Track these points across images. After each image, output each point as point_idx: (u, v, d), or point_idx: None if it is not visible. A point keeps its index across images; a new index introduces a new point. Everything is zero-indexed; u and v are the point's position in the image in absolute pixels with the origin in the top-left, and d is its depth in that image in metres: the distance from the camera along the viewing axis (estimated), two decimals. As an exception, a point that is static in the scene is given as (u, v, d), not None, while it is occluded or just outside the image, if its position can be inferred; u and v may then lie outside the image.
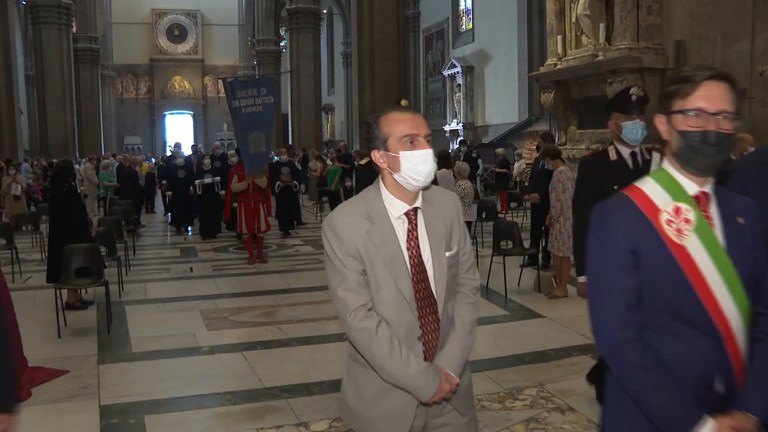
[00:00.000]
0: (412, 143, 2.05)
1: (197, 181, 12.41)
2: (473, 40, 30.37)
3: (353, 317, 2.04)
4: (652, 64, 11.43)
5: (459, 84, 30.16)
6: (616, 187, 3.14)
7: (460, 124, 29.89)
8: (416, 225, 2.12)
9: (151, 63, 44.45)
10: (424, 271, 2.11)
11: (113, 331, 6.19)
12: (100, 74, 36.03)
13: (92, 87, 33.73)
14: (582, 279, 3.48)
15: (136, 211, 13.76)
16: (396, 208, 2.11)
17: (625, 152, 3.68)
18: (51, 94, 25.47)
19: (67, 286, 6.60)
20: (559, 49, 13.21)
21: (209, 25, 45.07)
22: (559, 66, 13.23)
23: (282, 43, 38.19)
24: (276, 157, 13.88)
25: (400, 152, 2.05)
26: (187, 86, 45.40)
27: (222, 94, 45.84)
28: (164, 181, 14.78)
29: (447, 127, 31.18)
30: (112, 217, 10.28)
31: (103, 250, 7.16)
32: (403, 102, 3.83)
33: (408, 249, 2.09)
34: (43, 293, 7.45)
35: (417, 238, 2.11)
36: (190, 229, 13.82)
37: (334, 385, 4.69)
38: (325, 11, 37.88)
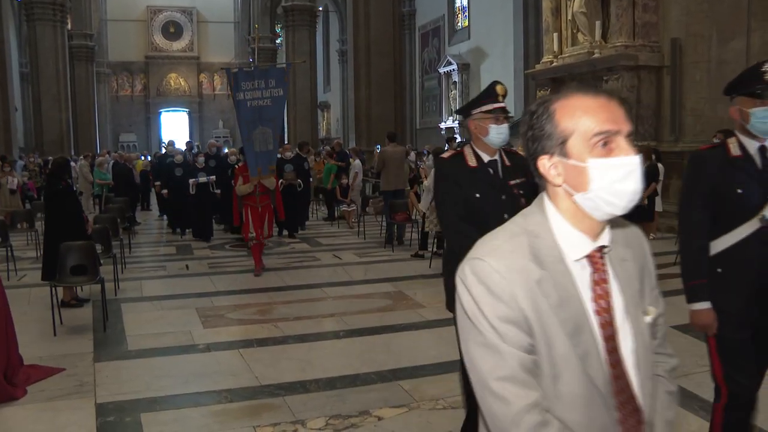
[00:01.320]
0: (606, 145, 1.34)
1: (191, 180, 11.82)
2: (469, 38, 30.35)
3: (521, 427, 1.30)
4: (648, 62, 11.47)
5: (455, 81, 30.14)
6: (739, 191, 2.73)
7: (456, 122, 29.89)
8: (605, 273, 1.41)
9: (147, 60, 44.28)
10: (618, 346, 1.40)
11: (109, 329, 6.18)
12: (95, 71, 35.91)
13: (87, 84, 33.62)
14: (697, 306, 2.83)
15: (132, 209, 13.73)
16: (575, 246, 1.39)
17: (752, 146, 2.80)
18: (46, 92, 25.36)
19: (62, 284, 6.59)
20: (555, 47, 13.23)
21: (204, 22, 44.94)
22: (555, 63, 13.26)
23: (278, 41, 38.11)
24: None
25: (589, 160, 1.34)
26: (182, 83, 45.26)
27: (218, 91, 45.95)
28: (157, 182, 14.01)
29: (443, 125, 31.17)
30: (108, 215, 10.27)
31: (98, 248, 7.15)
32: (499, 88, 3.22)
33: (597, 312, 1.38)
34: (38, 291, 7.44)
35: (608, 293, 1.40)
36: (188, 232, 12.93)
37: (331, 383, 4.70)
38: (321, 8, 37.83)
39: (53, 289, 6.30)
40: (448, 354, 5.32)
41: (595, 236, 1.40)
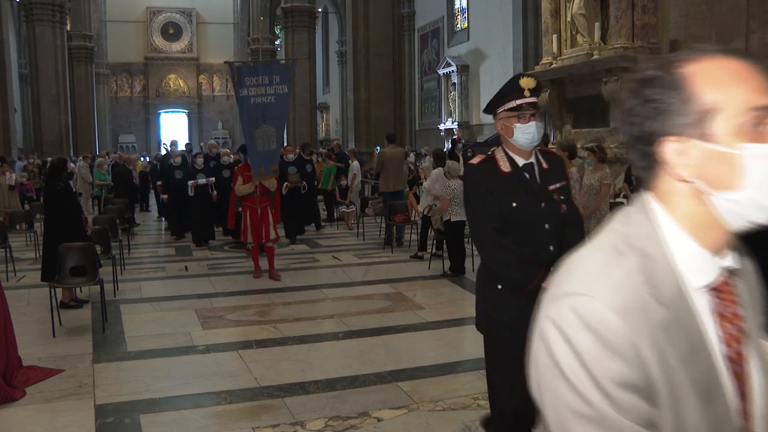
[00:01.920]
0: (758, 126, 0.96)
1: (190, 182, 11.33)
2: (468, 39, 30.39)
3: None
4: (647, 64, 11.48)
5: (454, 83, 30.16)
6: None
7: (455, 123, 29.94)
8: (736, 305, 1.04)
9: (146, 61, 44.34)
10: (752, 409, 1.04)
11: (108, 330, 6.18)
12: (94, 72, 35.94)
13: (87, 85, 33.65)
14: None
15: (131, 210, 13.72)
16: (698, 269, 1.01)
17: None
18: (45, 93, 25.38)
19: (62, 285, 6.58)
20: (555, 48, 13.26)
21: (204, 23, 45.00)
22: (554, 65, 13.27)
23: (277, 42, 38.14)
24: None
25: (745, 146, 0.96)
26: (181, 85, 45.31)
27: (217, 92, 46.00)
28: (159, 182, 13.41)
29: (442, 126, 31.19)
30: (107, 216, 10.27)
31: (98, 249, 7.14)
32: (524, 81, 2.87)
33: (730, 360, 1.02)
34: (37, 292, 7.44)
35: (742, 334, 1.03)
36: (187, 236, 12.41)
37: (330, 384, 4.70)
38: (320, 9, 37.85)
39: (52, 290, 6.30)
40: (447, 355, 5.33)
41: (719, 254, 1.02)
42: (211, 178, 11.42)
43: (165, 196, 12.60)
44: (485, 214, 2.89)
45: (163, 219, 14.49)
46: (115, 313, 6.76)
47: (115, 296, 7.50)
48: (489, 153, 3.05)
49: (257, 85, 8.29)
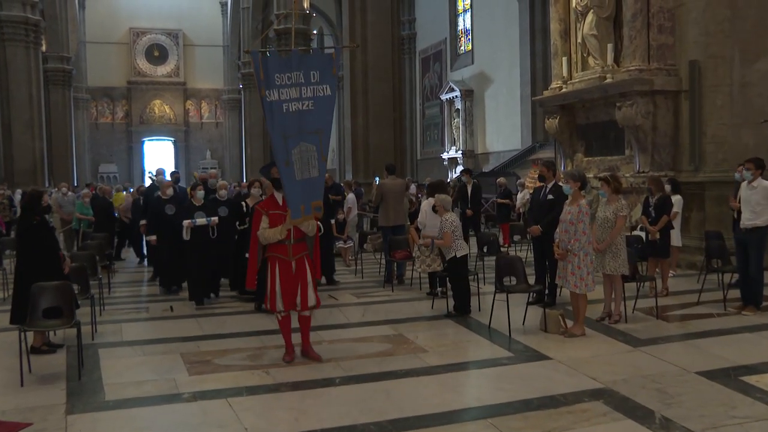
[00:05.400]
0: None
1: (185, 222, 9.34)
2: (472, 62, 30.75)
3: None
4: (664, 86, 11.55)
5: (458, 109, 30.46)
6: None
7: (459, 152, 30.10)
8: None
9: (129, 86, 44.75)
10: None
11: (84, 377, 6.12)
12: (72, 97, 36.22)
13: (64, 110, 33.85)
14: None
15: (112, 245, 13.69)
16: None
17: None
18: (17, 118, 25.41)
19: (33, 329, 6.52)
20: (564, 72, 13.39)
21: (191, 45, 45.53)
22: (564, 89, 13.40)
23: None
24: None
25: None
26: (167, 111, 45.66)
27: (206, 119, 46.29)
28: (142, 222, 11.87)
29: (445, 155, 31.39)
30: (86, 252, 10.24)
31: (75, 288, 7.11)
32: None
33: None
34: (5, 336, 7.35)
35: None
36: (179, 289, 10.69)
37: (326, 435, 4.65)
38: (315, 32, 38.32)
39: (22, 333, 6.25)
40: (452, 402, 5.28)
41: None
42: (213, 218, 9.51)
43: (152, 238, 10.86)
44: None
45: (147, 264, 13.23)
46: (93, 358, 6.70)
47: (93, 339, 7.44)
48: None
49: (291, 85, 6.35)
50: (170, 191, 10.76)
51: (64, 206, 15.72)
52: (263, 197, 8.45)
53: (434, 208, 8.78)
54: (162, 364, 6.48)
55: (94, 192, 16.36)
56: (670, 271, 9.85)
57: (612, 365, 6.11)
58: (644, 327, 7.47)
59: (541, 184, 8.83)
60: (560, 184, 8.26)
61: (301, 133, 6.31)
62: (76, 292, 7.16)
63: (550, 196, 8.45)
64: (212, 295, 9.79)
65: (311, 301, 6.52)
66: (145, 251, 14.18)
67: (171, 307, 9.36)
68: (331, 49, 6.96)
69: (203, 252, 9.40)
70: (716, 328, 7.35)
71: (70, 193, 17.02)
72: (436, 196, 8.87)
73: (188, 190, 11.13)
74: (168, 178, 12.75)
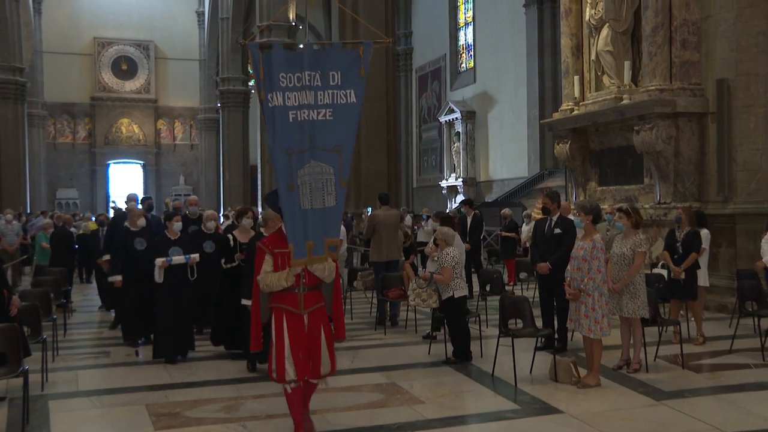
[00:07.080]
0: None
1: (158, 261, 8.43)
2: (474, 81, 30.99)
3: None
4: (688, 108, 11.56)
5: (458, 132, 30.64)
6: None
7: (460, 179, 30.18)
8: None
9: (93, 102, 44.69)
10: None
11: (32, 433, 6.01)
12: (27, 113, 36.08)
13: (16, 128, 33.57)
14: None
15: (70, 282, 13.55)
16: None
17: None
18: (-44, 135, 25.32)
19: (-27, 378, 6.41)
20: (576, 92, 13.47)
21: (164, 58, 45.69)
22: (576, 111, 13.46)
23: (251, 83, 38.75)
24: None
25: None
26: (136, 131, 45.68)
27: (179, 140, 46.36)
28: (106, 257, 10.87)
29: (444, 183, 31.48)
30: (40, 290, 10.10)
31: (25, 331, 7.01)
32: None
33: None
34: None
35: None
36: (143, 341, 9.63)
37: (309, 501, 4.54)
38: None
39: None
40: (453, 464, 5.19)
41: None
42: (193, 255, 8.76)
43: (117, 279, 9.77)
44: None
45: (112, 312, 11.82)
46: (41, 412, 6.58)
47: (42, 390, 7.32)
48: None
49: (301, 88, 5.54)
50: (142, 221, 9.81)
51: (6, 236, 15.52)
52: (262, 230, 7.81)
53: (435, 241, 8.75)
54: (123, 418, 6.38)
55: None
56: (700, 315, 9.68)
57: (632, 421, 6.04)
58: (668, 377, 7.40)
59: (545, 216, 8.81)
60: (571, 217, 8.24)
61: (312, 149, 5.53)
62: (27, 335, 7.05)
63: (557, 230, 8.44)
64: (188, 351, 8.83)
65: (325, 368, 5.62)
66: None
67: (137, 352, 9.21)
68: (358, 43, 6.05)
69: (179, 297, 8.65)
70: (754, 381, 7.23)
71: (14, 221, 16.88)
72: (437, 228, 8.87)
73: (163, 220, 10.21)
74: (139, 205, 11.83)
